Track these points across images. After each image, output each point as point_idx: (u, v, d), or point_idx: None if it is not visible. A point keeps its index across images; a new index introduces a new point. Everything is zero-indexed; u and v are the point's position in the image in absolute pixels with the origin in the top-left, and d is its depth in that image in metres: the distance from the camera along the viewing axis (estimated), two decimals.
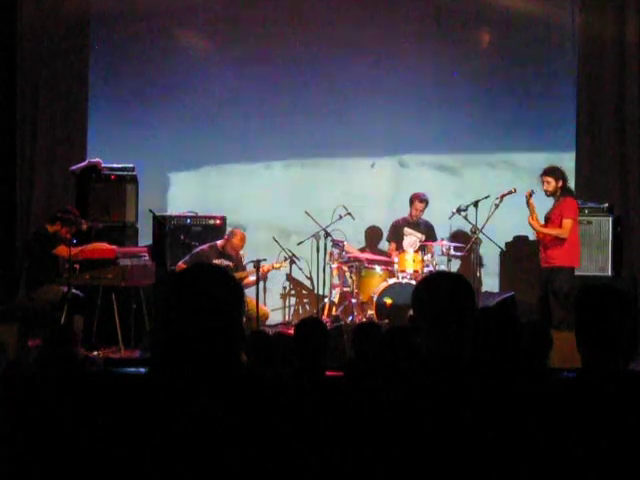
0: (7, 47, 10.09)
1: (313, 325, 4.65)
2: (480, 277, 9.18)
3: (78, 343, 4.36)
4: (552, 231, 8.45)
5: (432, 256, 9.40)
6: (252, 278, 9.11)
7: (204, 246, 9.29)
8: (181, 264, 8.96)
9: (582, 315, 2.81)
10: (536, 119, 10.31)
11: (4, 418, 2.97)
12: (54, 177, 10.19)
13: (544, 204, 8.65)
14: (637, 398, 2.67)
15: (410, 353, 4.02)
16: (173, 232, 9.39)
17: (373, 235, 10.51)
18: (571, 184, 9.18)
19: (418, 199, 9.71)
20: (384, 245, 10.27)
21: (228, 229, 9.66)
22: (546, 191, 8.52)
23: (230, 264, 9.15)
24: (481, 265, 9.98)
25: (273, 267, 9.42)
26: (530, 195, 8.53)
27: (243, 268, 9.37)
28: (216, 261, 8.96)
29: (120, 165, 9.62)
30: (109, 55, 10.47)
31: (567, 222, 8.41)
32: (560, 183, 8.50)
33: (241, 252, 9.37)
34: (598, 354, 2.74)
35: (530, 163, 9.87)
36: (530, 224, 8.56)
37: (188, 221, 9.77)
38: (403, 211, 9.94)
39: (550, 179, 8.48)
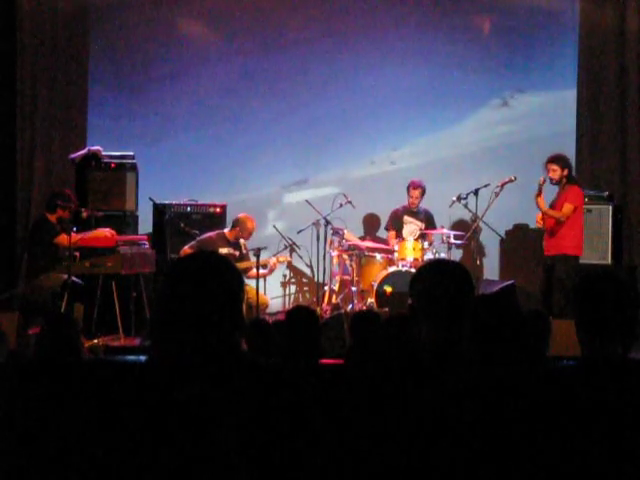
0: (6, 36, 10.08)
1: (303, 314, 4.60)
2: (480, 265, 9.20)
3: (79, 331, 4.36)
4: (553, 213, 8.46)
5: (432, 244, 9.41)
6: (262, 271, 9.02)
7: (211, 233, 9.29)
8: (186, 248, 8.96)
9: (581, 303, 2.81)
10: (537, 108, 10.31)
11: (4, 407, 2.97)
12: (54, 165, 10.19)
13: (549, 195, 8.69)
14: (637, 386, 2.67)
15: (409, 342, 4.03)
16: (173, 220, 9.38)
17: (372, 222, 10.51)
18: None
19: (413, 186, 9.70)
20: (382, 233, 10.27)
21: (229, 217, 9.67)
22: (551, 179, 8.52)
23: (236, 253, 9.15)
24: (481, 253, 9.99)
25: (279, 261, 9.43)
26: (543, 182, 8.51)
27: (248, 258, 9.36)
28: (223, 250, 8.95)
29: (120, 153, 9.61)
30: (109, 43, 10.46)
31: (567, 206, 8.44)
32: (565, 172, 8.51)
33: (242, 241, 9.37)
34: (597, 342, 2.74)
35: (530, 152, 9.85)
36: (536, 202, 8.53)
37: (188, 209, 9.78)
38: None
39: (556, 167, 8.49)
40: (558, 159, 8.53)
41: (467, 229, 9.37)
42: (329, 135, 10.51)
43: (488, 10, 10.43)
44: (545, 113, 10.30)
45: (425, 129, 10.54)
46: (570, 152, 9.71)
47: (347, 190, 9.79)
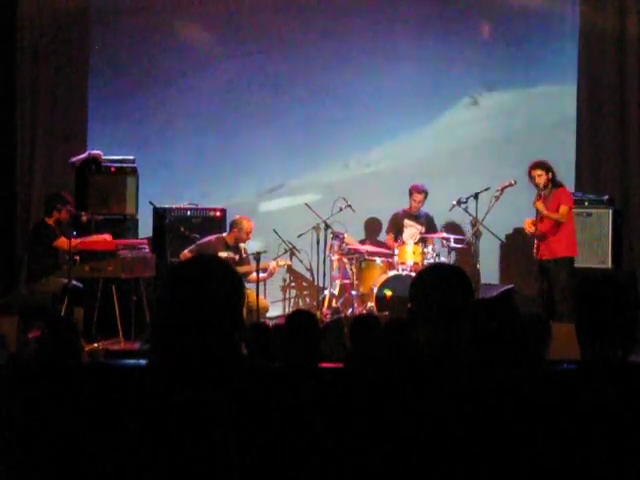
0: (6, 39, 10.09)
1: (303, 318, 4.61)
2: (480, 269, 9.21)
3: (79, 334, 4.37)
4: (554, 215, 8.50)
5: (432, 248, 9.40)
6: (262, 275, 9.01)
7: (211, 237, 9.28)
8: (186, 252, 8.95)
9: (582, 306, 2.81)
10: (537, 110, 10.32)
11: (4, 410, 2.98)
12: (54, 169, 10.20)
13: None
14: (637, 390, 2.67)
15: (409, 345, 4.02)
16: (173, 224, 9.37)
17: (372, 226, 10.50)
18: (571, 176, 9.24)
19: (416, 190, 9.69)
20: (383, 237, 10.27)
21: (229, 221, 9.67)
22: (538, 184, 8.54)
23: (236, 257, 9.15)
24: (481, 257, 9.98)
25: (279, 265, 9.43)
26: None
27: (248, 262, 9.36)
28: (222, 254, 8.94)
29: (120, 157, 9.61)
30: (109, 48, 10.48)
31: (564, 208, 8.52)
32: (550, 175, 8.57)
33: (242, 245, 9.36)
34: (598, 345, 2.74)
35: (528, 155, 9.86)
36: (536, 207, 8.54)
37: (188, 213, 9.78)
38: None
39: (541, 172, 8.53)
40: (542, 165, 8.57)
41: (464, 232, 9.39)
42: (304, 139, 10.52)
43: (486, 13, 10.44)
44: (544, 114, 10.31)
45: (401, 130, 10.52)
46: (570, 153, 9.75)
47: (326, 194, 9.82)
